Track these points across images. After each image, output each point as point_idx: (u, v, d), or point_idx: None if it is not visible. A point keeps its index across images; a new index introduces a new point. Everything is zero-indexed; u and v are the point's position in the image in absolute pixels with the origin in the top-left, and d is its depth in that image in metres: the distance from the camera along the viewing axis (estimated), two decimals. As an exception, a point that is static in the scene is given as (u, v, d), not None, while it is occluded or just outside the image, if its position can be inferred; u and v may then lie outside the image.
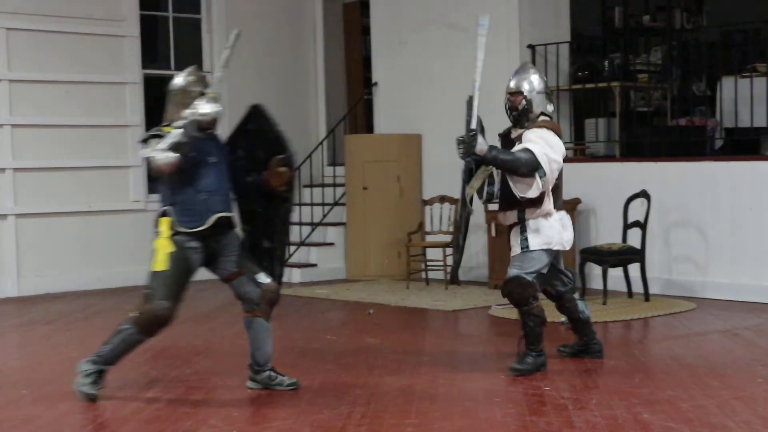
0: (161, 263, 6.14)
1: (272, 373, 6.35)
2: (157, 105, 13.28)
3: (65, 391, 6.41)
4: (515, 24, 11.32)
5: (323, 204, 12.81)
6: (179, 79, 6.42)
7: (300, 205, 12.69)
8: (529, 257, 6.73)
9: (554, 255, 6.88)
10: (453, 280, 9.78)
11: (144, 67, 12.29)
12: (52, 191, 11.47)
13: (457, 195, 11.30)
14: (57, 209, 11.48)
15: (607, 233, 10.43)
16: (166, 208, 6.19)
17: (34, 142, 11.36)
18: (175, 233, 6.11)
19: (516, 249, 6.82)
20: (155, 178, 6.35)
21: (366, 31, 13.50)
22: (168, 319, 6.09)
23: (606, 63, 11.58)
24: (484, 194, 6.97)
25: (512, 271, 6.77)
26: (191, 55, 12.91)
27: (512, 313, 9.03)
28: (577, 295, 7.17)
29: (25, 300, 10.86)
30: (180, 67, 12.47)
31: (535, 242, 6.73)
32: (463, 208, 6.85)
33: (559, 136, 6.93)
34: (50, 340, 8.42)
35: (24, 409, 6.05)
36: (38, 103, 11.43)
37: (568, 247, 6.94)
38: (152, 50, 12.91)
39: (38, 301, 10.76)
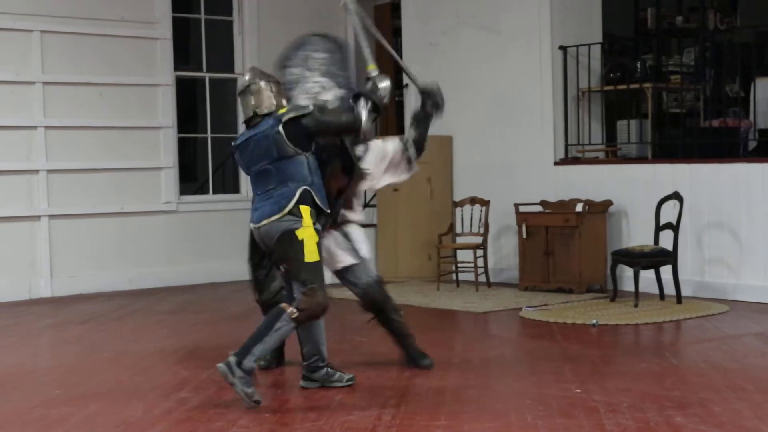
0: (315, 253, 6.03)
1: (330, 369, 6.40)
2: (188, 107, 13.44)
3: (98, 391, 6.46)
4: (546, 25, 11.29)
5: (354, 205, 12.81)
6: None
7: (331, 206, 12.70)
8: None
9: None
10: None
11: (176, 69, 12.35)
12: (85, 192, 11.55)
13: (487, 196, 11.34)
14: (90, 210, 11.55)
15: (638, 235, 10.38)
16: (304, 187, 6.09)
17: (67, 144, 11.45)
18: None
19: (366, 253, 6.78)
20: (290, 155, 6.12)
21: (397, 32, 13.49)
22: (327, 309, 6.11)
23: (638, 64, 11.51)
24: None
25: (373, 275, 6.80)
26: (223, 58, 12.99)
27: (544, 316, 9.02)
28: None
29: (58, 300, 10.94)
30: (212, 70, 12.69)
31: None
32: None
33: None
34: (83, 341, 8.48)
35: (56, 408, 6.09)
36: (71, 105, 11.51)
37: None
38: (184, 52, 12.99)
39: (71, 301, 10.83)
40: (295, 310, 5.97)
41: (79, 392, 6.47)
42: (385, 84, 6.71)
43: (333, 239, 6.66)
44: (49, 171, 11.33)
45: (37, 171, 11.25)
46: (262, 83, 6.35)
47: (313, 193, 6.13)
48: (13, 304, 10.70)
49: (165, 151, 12.14)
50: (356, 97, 6.60)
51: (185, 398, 6.24)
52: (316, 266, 6.05)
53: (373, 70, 6.76)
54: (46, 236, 11.23)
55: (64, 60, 11.51)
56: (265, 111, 6.28)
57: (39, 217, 11.25)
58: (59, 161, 11.39)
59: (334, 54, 6.98)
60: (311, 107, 6.33)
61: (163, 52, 12.14)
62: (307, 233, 6.02)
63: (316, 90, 6.80)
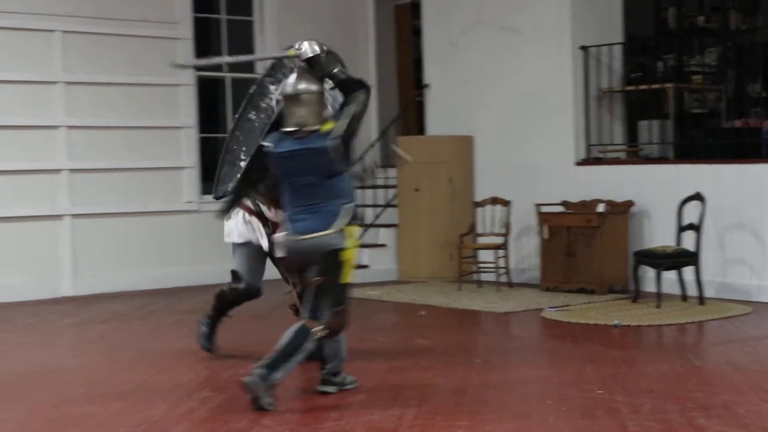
0: (351, 276, 6.07)
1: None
2: (209, 106, 13.47)
3: (120, 390, 6.48)
4: (567, 25, 11.27)
5: (375, 205, 12.83)
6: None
7: (352, 206, 12.71)
8: None
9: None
10: None
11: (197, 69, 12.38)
12: (108, 192, 11.60)
13: (509, 197, 11.32)
14: (112, 210, 11.60)
15: (660, 236, 10.34)
16: (352, 204, 6.07)
17: (89, 144, 11.49)
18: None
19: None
20: (340, 172, 6.06)
21: (417, 32, 13.48)
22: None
23: (660, 64, 11.47)
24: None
25: None
26: (244, 57, 13.00)
27: (566, 316, 9.00)
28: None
29: (80, 299, 10.98)
30: (233, 69, 12.71)
31: None
32: None
33: None
34: (105, 340, 8.51)
35: (79, 407, 6.11)
36: (93, 104, 11.56)
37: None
38: (205, 52, 13.00)
39: (93, 300, 10.87)
40: (320, 330, 5.97)
41: (102, 391, 6.49)
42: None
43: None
44: (72, 170, 11.38)
45: (59, 170, 11.30)
46: (314, 95, 6.05)
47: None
48: (36, 302, 10.76)
49: (187, 151, 12.18)
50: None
51: (207, 397, 6.25)
52: (349, 288, 6.12)
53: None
54: (68, 235, 11.28)
55: (85, 60, 11.55)
56: (311, 128, 6.02)
57: (61, 216, 11.30)
58: (81, 161, 11.43)
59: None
60: (345, 111, 6.07)
61: (185, 52, 12.17)
62: (350, 255, 6.02)
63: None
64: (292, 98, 6.06)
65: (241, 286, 7.21)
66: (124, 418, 5.78)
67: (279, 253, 6.37)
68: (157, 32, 11.97)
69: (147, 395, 6.37)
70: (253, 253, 7.14)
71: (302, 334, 5.97)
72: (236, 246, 7.17)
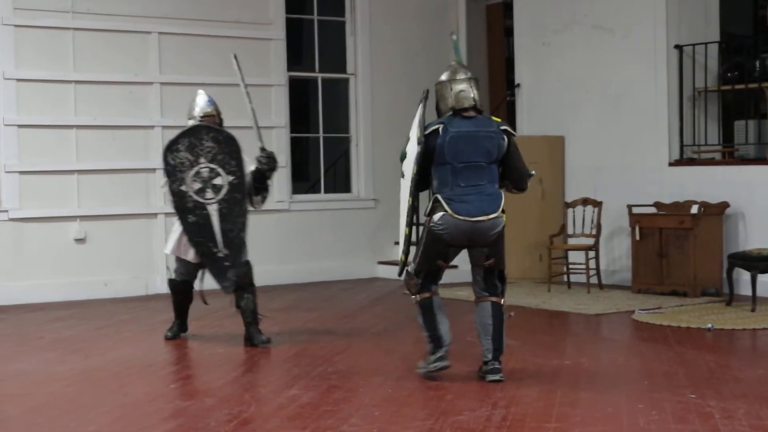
0: None
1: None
2: (300, 106, 13.57)
3: (211, 386, 6.57)
4: (662, 23, 11.12)
5: (464, 205, 12.79)
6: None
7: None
8: None
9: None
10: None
11: (289, 69, 12.50)
12: (201, 191, 11.74)
13: (600, 197, 11.21)
14: (204, 208, 11.74)
15: (756, 238, 10.15)
16: (502, 189, 6.77)
17: (183, 143, 11.66)
18: None
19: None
20: (498, 161, 6.65)
21: (509, 32, 13.43)
22: None
23: (757, 63, 11.24)
24: None
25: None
26: (335, 58, 13.10)
27: (657, 319, 8.88)
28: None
29: (173, 296, 11.13)
30: (324, 70, 12.80)
31: None
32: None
33: None
34: (198, 337, 8.61)
35: (172, 402, 6.22)
36: (186, 105, 11.71)
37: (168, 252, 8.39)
38: (297, 53, 13.13)
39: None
40: (503, 302, 6.63)
41: (194, 387, 6.59)
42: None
43: None
44: (166, 169, 11.55)
45: (154, 169, 11.47)
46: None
47: None
48: (129, 299, 10.97)
49: (278, 151, 12.17)
50: None
51: (296, 395, 6.30)
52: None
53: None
54: (162, 233, 11.46)
55: (180, 61, 11.74)
56: (478, 111, 6.55)
57: (156, 214, 11.50)
58: (176, 160, 11.60)
59: (221, 145, 8.07)
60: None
61: (277, 53, 12.30)
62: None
63: (206, 174, 7.90)
64: (468, 80, 6.56)
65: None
66: (215, 414, 5.86)
67: (442, 232, 6.45)
68: (250, 33, 12.12)
69: (237, 392, 6.46)
70: None
71: (499, 310, 6.57)
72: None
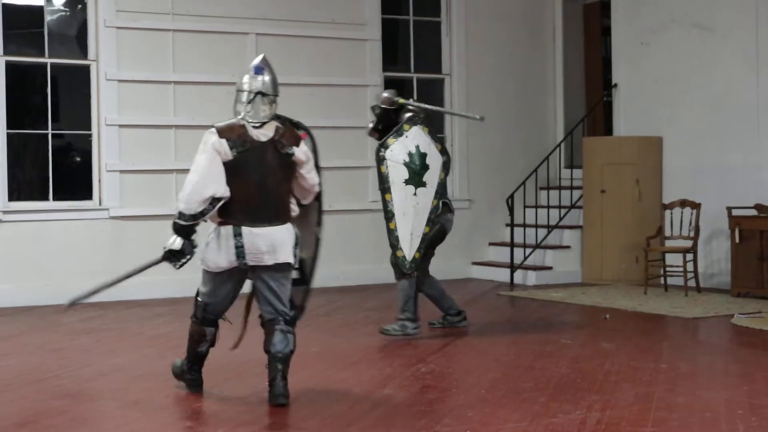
0: None
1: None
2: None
3: (304, 386, 6.59)
4: (765, 21, 10.89)
5: (560, 207, 12.71)
6: None
7: (536, 207, 12.64)
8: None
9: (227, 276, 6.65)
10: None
11: (384, 69, 12.54)
12: (296, 191, 11.85)
13: (699, 199, 11.02)
14: (299, 208, 11.84)
15: None
16: None
17: (279, 143, 11.77)
18: None
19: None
20: None
21: (606, 31, 13.30)
22: None
23: None
24: None
25: None
26: (431, 58, 13.10)
27: (757, 323, 8.70)
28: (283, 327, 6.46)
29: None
30: (419, 70, 12.82)
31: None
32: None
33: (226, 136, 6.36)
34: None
35: (266, 402, 6.27)
36: (283, 105, 11.73)
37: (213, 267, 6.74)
38: (393, 53, 13.15)
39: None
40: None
41: (288, 386, 6.62)
42: None
43: None
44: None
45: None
46: None
47: None
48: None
49: (372, 151, 12.31)
50: None
51: (389, 395, 6.32)
52: None
53: None
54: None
55: (276, 61, 11.72)
56: None
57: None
58: (271, 160, 11.72)
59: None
60: None
61: (372, 53, 12.35)
62: None
63: None
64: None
65: None
66: (307, 413, 5.90)
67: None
68: (345, 34, 12.20)
69: (330, 391, 6.49)
70: None
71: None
72: None
